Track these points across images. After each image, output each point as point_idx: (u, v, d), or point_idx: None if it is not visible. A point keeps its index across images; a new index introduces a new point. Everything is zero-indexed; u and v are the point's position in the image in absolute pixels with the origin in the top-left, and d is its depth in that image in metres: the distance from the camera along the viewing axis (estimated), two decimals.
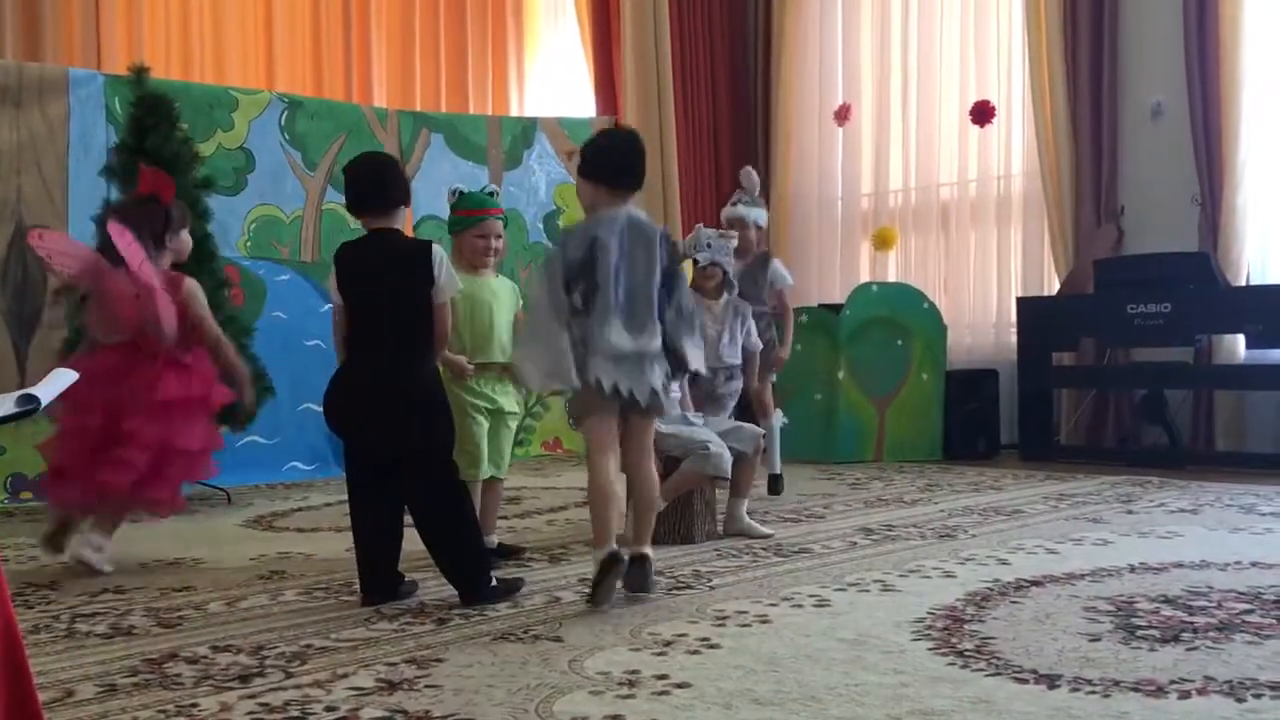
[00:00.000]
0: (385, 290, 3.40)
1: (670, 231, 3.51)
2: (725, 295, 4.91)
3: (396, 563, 3.46)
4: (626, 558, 3.30)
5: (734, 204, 5.46)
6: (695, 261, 4.93)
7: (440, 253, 3.45)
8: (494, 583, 3.40)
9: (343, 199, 3.68)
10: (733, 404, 4.94)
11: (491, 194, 4.11)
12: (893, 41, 8.27)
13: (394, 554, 3.46)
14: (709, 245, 4.92)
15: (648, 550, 3.38)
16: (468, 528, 3.44)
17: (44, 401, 1.76)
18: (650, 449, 3.48)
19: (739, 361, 4.92)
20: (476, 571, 3.39)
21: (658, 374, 3.35)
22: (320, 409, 3.60)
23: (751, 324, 5.01)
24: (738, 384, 4.95)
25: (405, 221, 7.27)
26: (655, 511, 3.50)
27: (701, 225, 5.10)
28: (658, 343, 3.37)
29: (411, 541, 3.48)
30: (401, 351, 3.38)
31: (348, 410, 3.43)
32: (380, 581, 3.42)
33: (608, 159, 3.46)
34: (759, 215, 5.50)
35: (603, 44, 8.61)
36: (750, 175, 5.51)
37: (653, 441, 3.50)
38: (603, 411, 3.36)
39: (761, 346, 5.09)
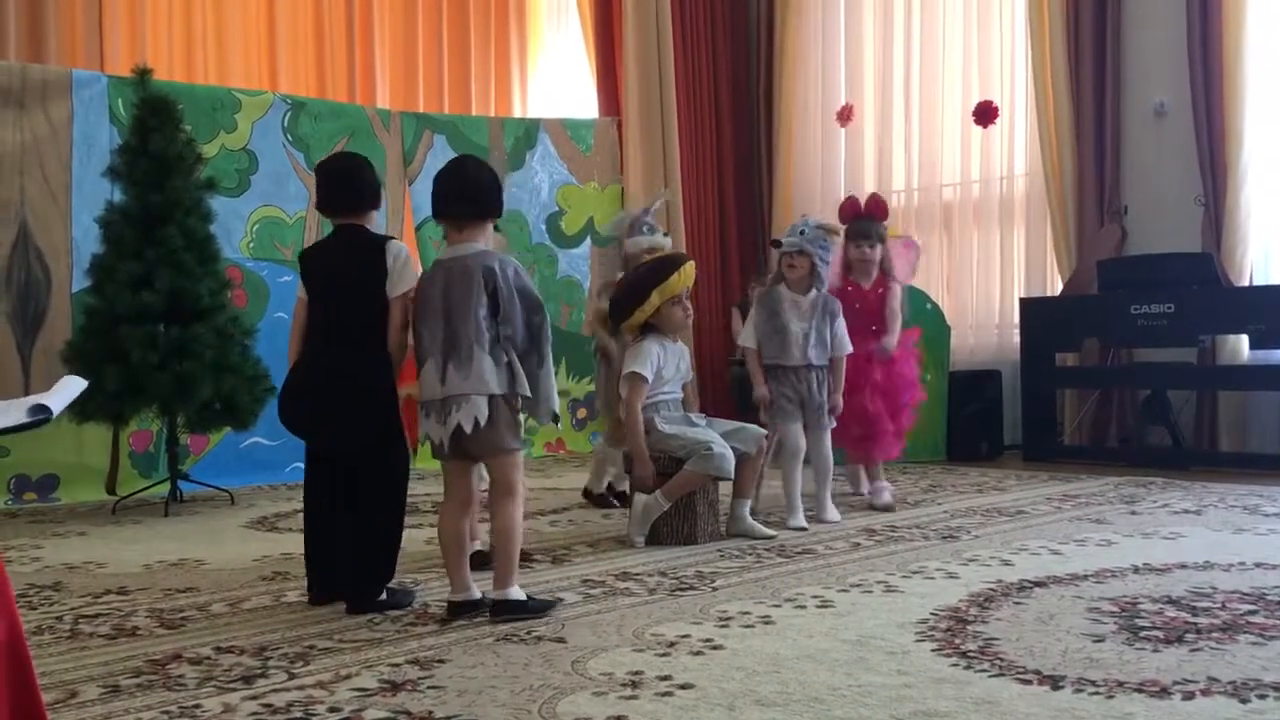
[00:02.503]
0: (343, 285, 3.40)
1: (509, 263, 3.25)
2: (814, 290, 4.71)
3: (353, 561, 3.38)
4: (460, 602, 3.23)
5: (654, 231, 5.20)
6: (778, 244, 4.80)
7: (398, 247, 3.42)
8: (383, 595, 3.38)
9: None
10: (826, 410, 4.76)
11: None
12: (895, 42, 8.26)
13: (349, 553, 3.38)
14: (801, 232, 4.71)
15: (499, 594, 3.16)
16: (386, 532, 3.39)
17: (55, 412, 1.75)
18: (508, 487, 3.21)
19: (824, 364, 4.73)
20: (371, 580, 3.35)
21: (466, 411, 3.13)
22: None
23: (841, 323, 4.75)
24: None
25: (406, 230, 7.32)
26: (508, 553, 3.19)
27: (807, 215, 5.12)
28: (476, 380, 3.14)
29: (412, 541, 3.48)
30: (355, 345, 3.36)
31: (301, 404, 3.40)
32: (328, 578, 3.40)
33: (434, 190, 3.34)
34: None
35: (605, 45, 8.61)
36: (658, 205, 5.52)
37: (513, 478, 3.21)
38: (443, 459, 3.29)
39: (851, 350, 4.78)
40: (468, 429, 3.14)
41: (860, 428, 5.04)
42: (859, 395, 4.96)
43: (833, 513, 4.78)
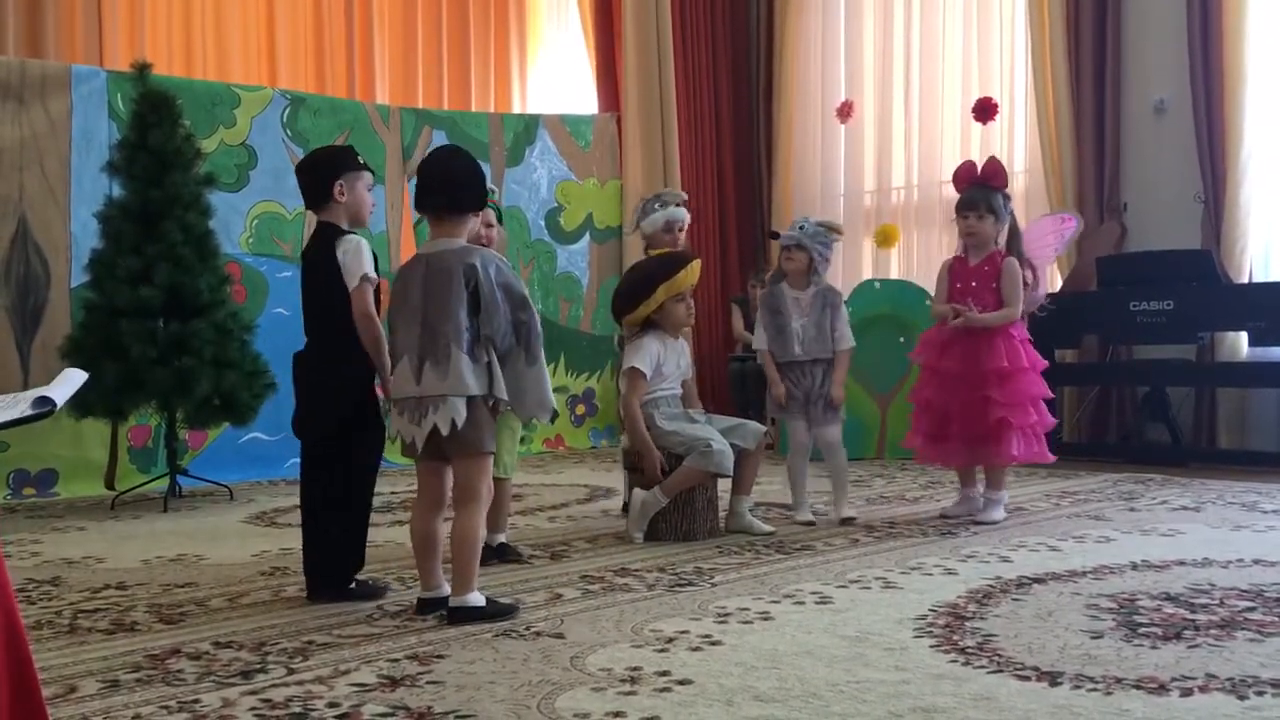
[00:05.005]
0: (309, 280, 3.47)
1: (491, 259, 3.20)
2: (813, 285, 4.69)
3: (346, 558, 3.44)
4: (429, 599, 3.24)
5: (666, 205, 4.95)
6: (775, 235, 4.71)
7: (352, 240, 3.40)
8: (352, 585, 3.43)
9: None
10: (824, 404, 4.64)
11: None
12: (895, 38, 8.26)
13: (344, 549, 3.43)
14: (801, 227, 4.69)
15: (457, 600, 3.12)
16: (353, 522, 3.42)
17: (59, 404, 1.75)
18: (472, 492, 3.16)
19: (830, 356, 4.65)
20: (333, 567, 3.39)
21: (443, 412, 3.08)
22: None
23: (844, 315, 4.70)
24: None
25: (405, 226, 7.32)
26: (465, 559, 3.13)
27: (810, 216, 4.99)
28: (454, 381, 3.08)
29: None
30: (318, 338, 3.41)
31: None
32: (324, 577, 3.44)
33: (417, 184, 3.30)
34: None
35: (605, 41, 8.61)
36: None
37: (479, 483, 3.16)
38: (415, 459, 3.26)
39: (854, 344, 4.70)
40: (444, 430, 3.09)
41: (929, 424, 4.65)
42: (927, 389, 4.63)
43: (848, 510, 4.67)
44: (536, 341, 3.20)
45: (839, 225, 4.92)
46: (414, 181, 7.53)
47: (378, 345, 3.36)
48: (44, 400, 1.72)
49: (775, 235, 4.81)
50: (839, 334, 4.68)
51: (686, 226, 5.02)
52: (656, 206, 4.97)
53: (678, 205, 4.99)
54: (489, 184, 4.32)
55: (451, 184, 3.24)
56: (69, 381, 1.86)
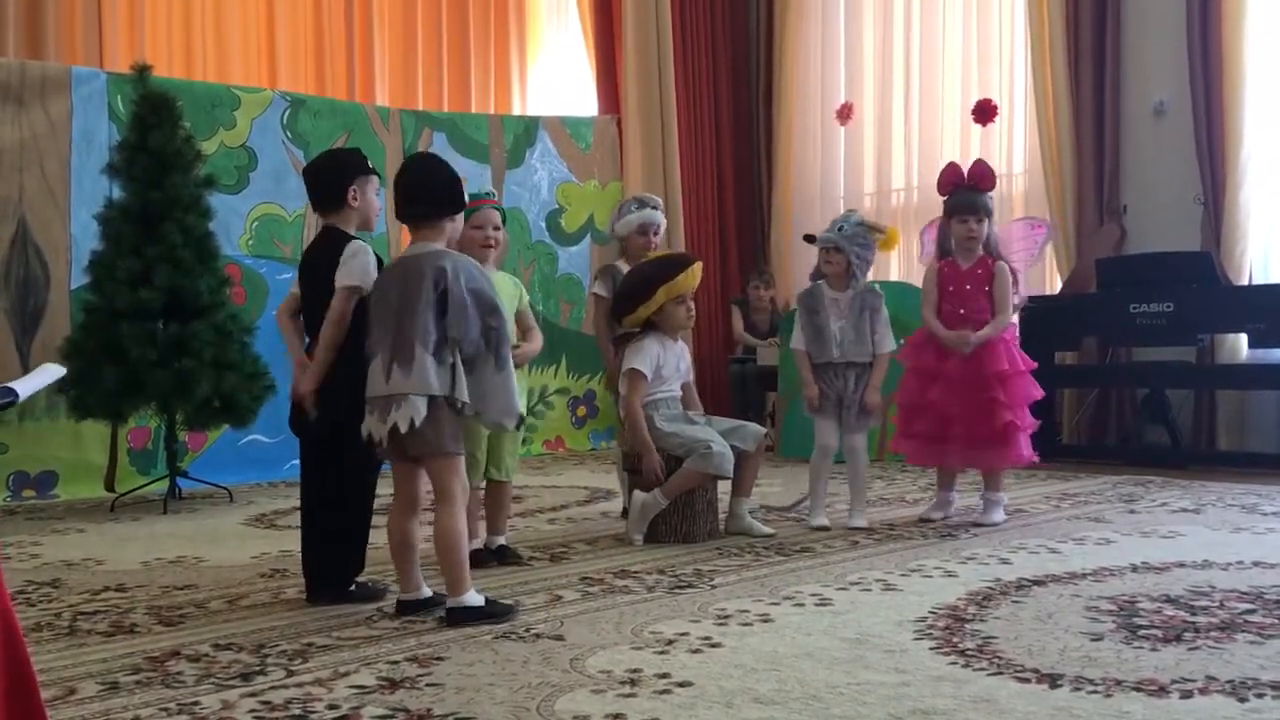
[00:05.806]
0: (313, 282, 3.46)
1: (463, 264, 3.21)
2: (851, 287, 4.59)
3: (346, 560, 3.45)
4: (408, 601, 3.25)
5: (643, 207, 4.90)
6: (811, 239, 4.67)
7: (357, 246, 3.39)
8: (352, 587, 3.44)
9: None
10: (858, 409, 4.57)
11: (487, 195, 4.10)
12: (895, 40, 8.26)
13: (343, 550, 3.44)
14: (840, 228, 4.59)
15: (454, 602, 3.12)
16: (352, 523, 3.43)
17: (21, 396, 1.75)
18: (446, 492, 3.16)
19: (870, 360, 4.56)
20: (331, 571, 3.41)
21: (404, 410, 3.08)
22: None
23: (885, 318, 4.59)
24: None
25: (404, 228, 7.31)
26: (452, 560, 3.14)
27: (854, 210, 4.89)
28: (417, 380, 3.09)
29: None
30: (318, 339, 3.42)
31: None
32: (323, 579, 3.45)
33: (394, 195, 3.32)
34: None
35: (605, 42, 8.61)
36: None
37: (456, 483, 3.18)
38: (384, 458, 3.28)
39: (894, 347, 4.63)
40: (403, 428, 3.09)
41: (928, 427, 4.63)
42: (930, 391, 4.59)
43: (861, 519, 4.57)
44: (505, 348, 3.21)
45: (881, 225, 4.75)
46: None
47: (329, 342, 3.33)
48: (7, 391, 1.73)
49: (811, 239, 4.70)
50: (879, 336, 4.58)
51: (662, 230, 4.96)
52: (633, 208, 4.92)
53: (653, 208, 4.93)
54: (488, 187, 4.32)
55: (424, 192, 3.27)
56: (40, 375, 1.86)
